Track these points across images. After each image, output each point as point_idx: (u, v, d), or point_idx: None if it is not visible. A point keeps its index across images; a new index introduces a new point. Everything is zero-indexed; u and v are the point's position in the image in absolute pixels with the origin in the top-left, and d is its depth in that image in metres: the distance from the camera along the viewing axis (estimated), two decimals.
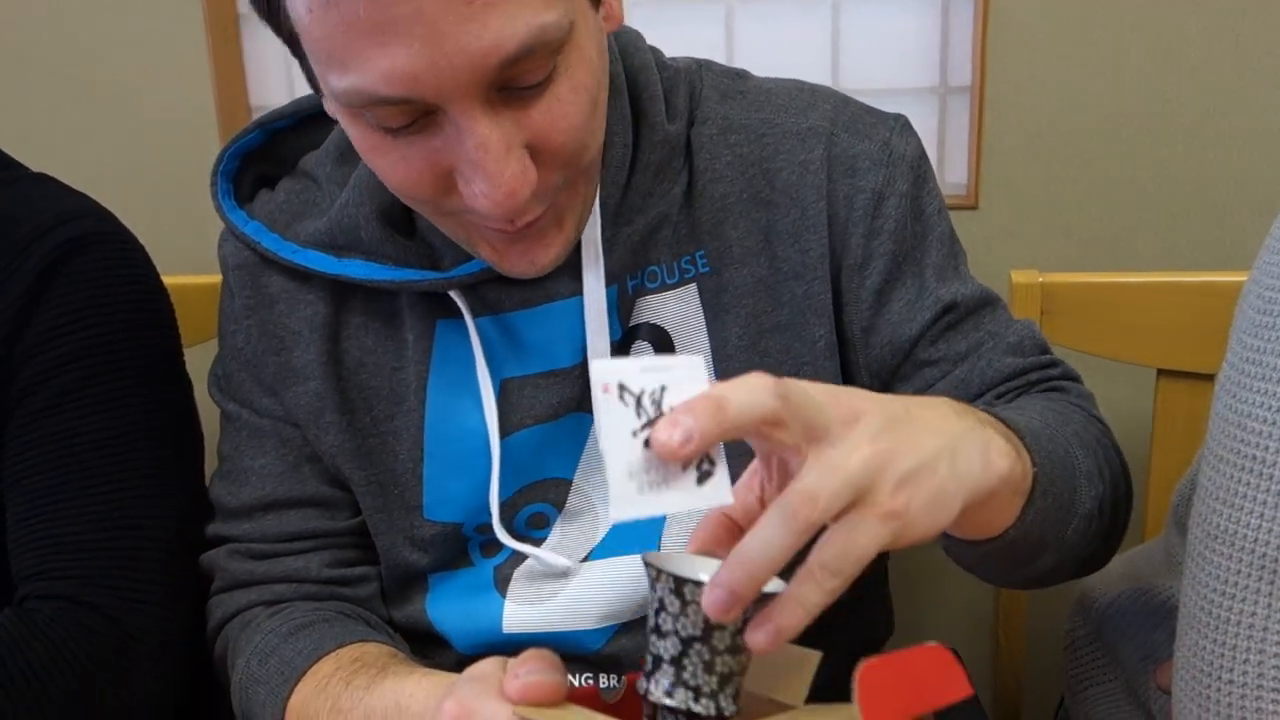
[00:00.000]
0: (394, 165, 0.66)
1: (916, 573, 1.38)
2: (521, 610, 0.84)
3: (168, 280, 0.94)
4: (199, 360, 1.06)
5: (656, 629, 0.52)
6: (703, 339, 0.81)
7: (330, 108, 0.70)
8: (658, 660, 0.52)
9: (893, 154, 0.80)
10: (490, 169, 0.63)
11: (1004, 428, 0.62)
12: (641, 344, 0.82)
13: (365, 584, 0.87)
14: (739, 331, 0.80)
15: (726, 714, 0.52)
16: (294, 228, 0.83)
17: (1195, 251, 1.30)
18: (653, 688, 0.52)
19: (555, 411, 0.81)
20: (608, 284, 0.78)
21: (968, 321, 0.82)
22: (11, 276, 0.82)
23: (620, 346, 0.81)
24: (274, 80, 1.42)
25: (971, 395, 0.80)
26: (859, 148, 0.80)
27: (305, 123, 0.87)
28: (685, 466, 0.48)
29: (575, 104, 0.66)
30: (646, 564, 0.52)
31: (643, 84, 0.79)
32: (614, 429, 0.46)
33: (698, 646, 0.51)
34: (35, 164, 0.95)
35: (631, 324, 0.81)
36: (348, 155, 0.83)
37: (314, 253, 0.81)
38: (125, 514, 0.83)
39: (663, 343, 0.81)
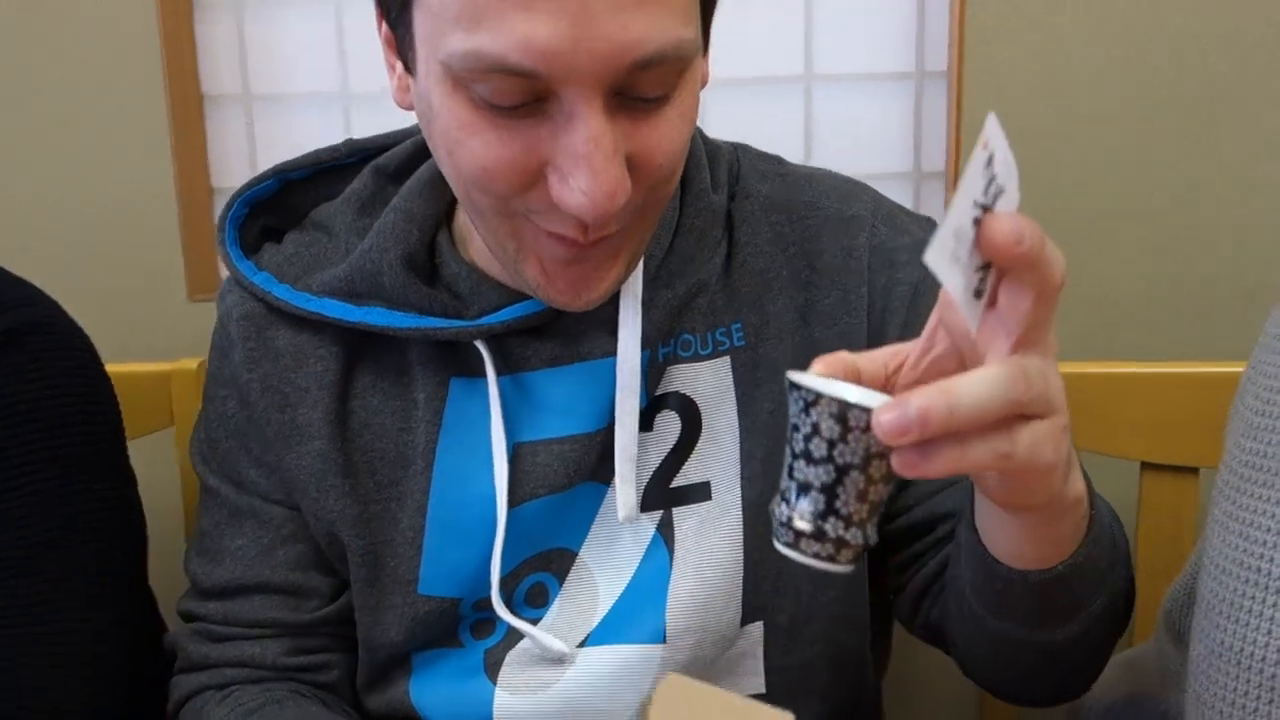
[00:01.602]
0: (486, 145, 0.64)
1: (906, 688, 1.33)
2: (513, 700, 0.80)
3: (118, 368, 0.91)
4: (149, 451, 1.03)
5: (807, 454, 0.52)
6: (732, 414, 0.79)
7: (424, 86, 0.66)
8: (804, 487, 0.52)
9: None
10: (598, 164, 0.62)
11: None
12: (668, 414, 0.80)
13: (326, 671, 0.84)
14: (770, 408, 0.79)
15: (871, 543, 0.53)
16: (305, 279, 0.81)
17: (1172, 343, 1.28)
18: (797, 517, 0.52)
19: (569, 480, 0.78)
20: (643, 347, 0.77)
21: None
22: None
23: (645, 415, 0.79)
24: (237, 161, 1.39)
25: None
26: (898, 241, 0.81)
27: (320, 175, 0.85)
28: (979, 269, 0.49)
29: (680, 131, 0.66)
30: (798, 385, 0.52)
31: (689, 153, 0.79)
32: (969, 187, 0.47)
33: (854, 475, 0.51)
34: None
35: (659, 393, 0.79)
36: (369, 207, 0.81)
37: (330, 301, 0.79)
38: (54, 628, 0.79)
39: (691, 415, 0.79)
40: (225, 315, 0.83)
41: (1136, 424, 1.04)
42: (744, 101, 1.31)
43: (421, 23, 0.64)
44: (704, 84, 0.73)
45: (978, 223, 0.47)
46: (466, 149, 0.65)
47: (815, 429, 0.51)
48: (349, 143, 0.85)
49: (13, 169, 1.37)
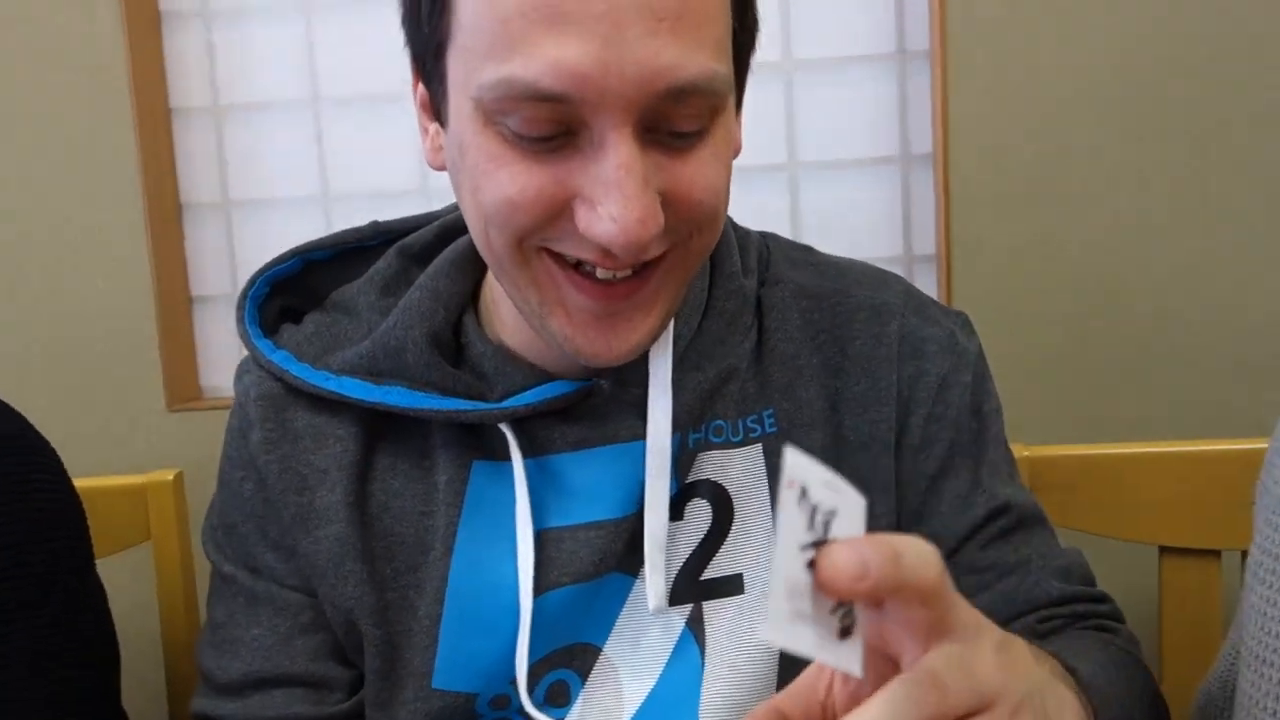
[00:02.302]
0: (513, 176, 0.63)
1: None
2: None
3: (91, 482, 0.88)
4: (125, 567, 0.98)
5: None
6: (764, 504, 0.77)
7: (455, 131, 0.66)
8: None
9: (958, 344, 0.80)
10: (629, 191, 0.61)
11: (1073, 681, 0.58)
12: (698, 503, 0.77)
13: None
14: None
15: None
16: (324, 359, 0.79)
17: (1182, 418, 1.25)
18: None
19: (595, 569, 0.75)
20: (673, 430, 0.74)
21: (1018, 534, 0.79)
22: None
23: (675, 504, 0.76)
24: (215, 270, 1.37)
25: (1015, 613, 0.77)
26: (927, 332, 0.80)
27: (343, 256, 0.84)
28: (835, 609, 0.43)
29: (716, 172, 0.65)
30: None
31: (720, 235, 0.79)
32: (789, 534, 0.41)
33: None
34: None
35: (689, 480, 0.77)
36: (392, 286, 0.80)
37: (349, 380, 0.77)
38: None
39: (722, 503, 0.77)
40: (243, 394, 0.80)
41: (1152, 506, 1.00)
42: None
43: (455, 67, 0.64)
44: (736, 153, 0.72)
45: (813, 564, 0.41)
46: (493, 181, 0.64)
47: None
48: (374, 225, 0.84)
49: None
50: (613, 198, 0.61)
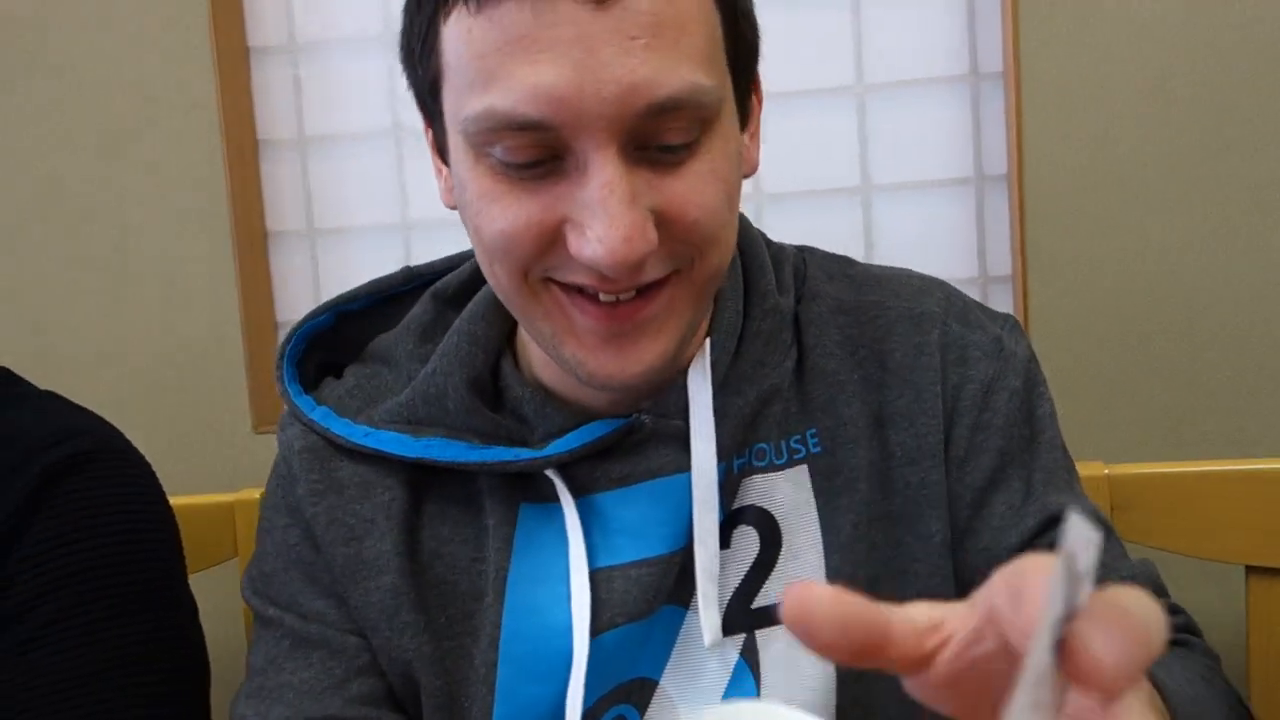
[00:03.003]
0: (504, 210, 0.63)
1: None
2: None
3: (181, 500, 0.90)
4: (214, 584, 1.01)
5: None
6: (814, 527, 0.75)
7: (456, 170, 0.67)
8: None
9: (1004, 349, 0.77)
10: (613, 209, 0.60)
11: (1159, 701, 0.57)
12: (745, 529, 0.75)
13: None
14: (852, 519, 0.74)
15: None
16: (366, 412, 0.79)
17: (1265, 434, 1.22)
18: None
19: (649, 606, 0.73)
20: (718, 459, 0.73)
21: None
22: (4, 496, 0.78)
23: (722, 531, 0.74)
24: (301, 296, 1.41)
25: None
26: (970, 338, 0.77)
27: (377, 305, 0.84)
28: (1060, 692, 0.36)
29: (713, 188, 0.64)
30: None
31: (751, 255, 0.78)
32: (1051, 614, 0.35)
33: None
34: (60, 379, 0.92)
35: (735, 507, 0.75)
36: (430, 333, 0.80)
37: (389, 434, 0.76)
38: None
39: (769, 529, 0.75)
40: (287, 448, 0.80)
41: (1239, 525, 0.98)
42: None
43: (448, 103, 0.64)
44: (751, 172, 0.71)
45: (1058, 645, 0.36)
46: (487, 217, 0.64)
47: None
48: (405, 270, 0.84)
49: (86, 306, 1.40)
50: (598, 218, 0.61)
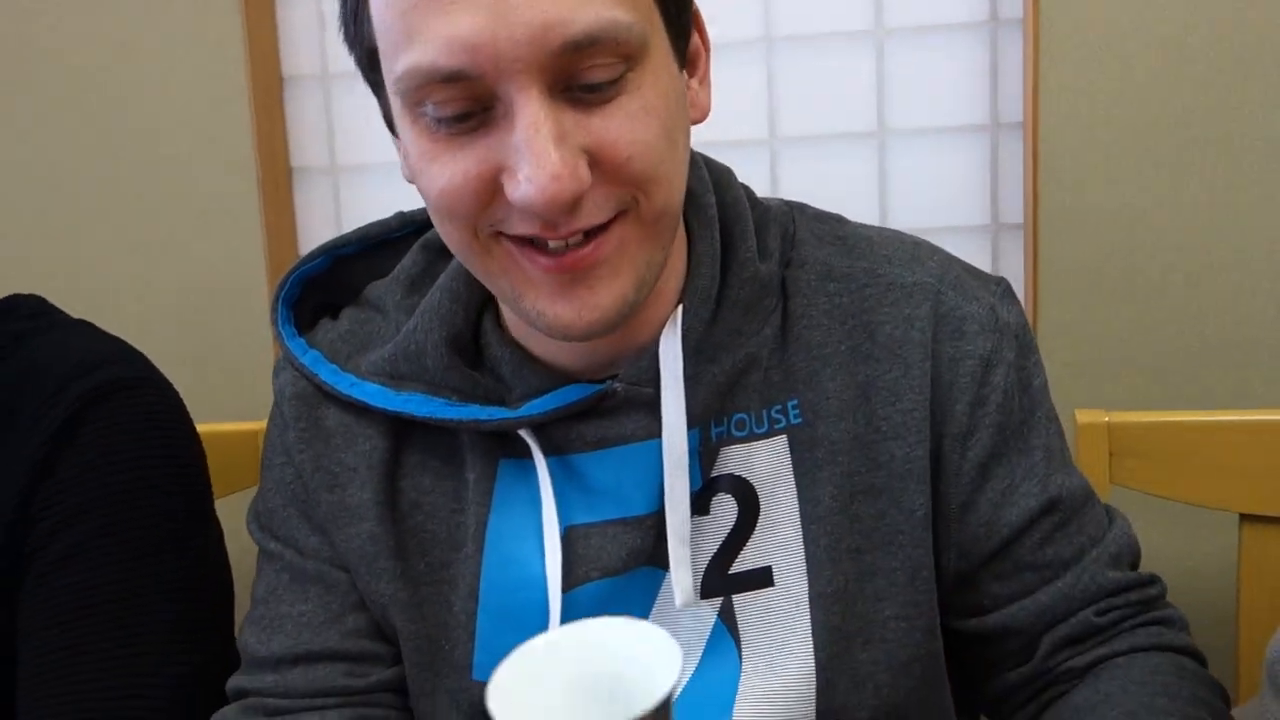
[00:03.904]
0: (443, 168, 0.64)
1: None
2: None
3: (207, 428, 0.93)
4: (238, 508, 1.04)
5: None
6: (791, 497, 0.75)
7: (400, 129, 0.67)
8: None
9: (999, 320, 0.77)
10: (538, 149, 0.61)
11: None
12: (723, 497, 0.76)
13: None
14: (832, 491, 0.75)
15: None
16: (355, 359, 0.80)
17: (1268, 390, 1.24)
18: None
19: (624, 564, 0.75)
20: (689, 426, 0.73)
21: (1072, 523, 0.78)
22: (39, 424, 0.81)
23: (700, 498, 0.76)
24: (324, 231, 1.43)
25: (1073, 609, 0.77)
26: (966, 309, 0.77)
27: (371, 250, 0.85)
28: None
29: (645, 124, 0.64)
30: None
31: (733, 218, 0.77)
32: None
33: None
34: (89, 312, 0.95)
35: (713, 475, 0.76)
36: (418, 283, 0.81)
37: (373, 386, 0.78)
38: (139, 673, 0.80)
39: (747, 498, 0.76)
40: (279, 393, 0.82)
41: (1235, 474, 0.99)
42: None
43: (387, 72, 0.65)
44: (702, 117, 0.71)
45: None
46: (428, 177, 0.65)
47: None
48: (399, 215, 0.86)
49: (116, 243, 1.43)
50: (525, 159, 0.61)
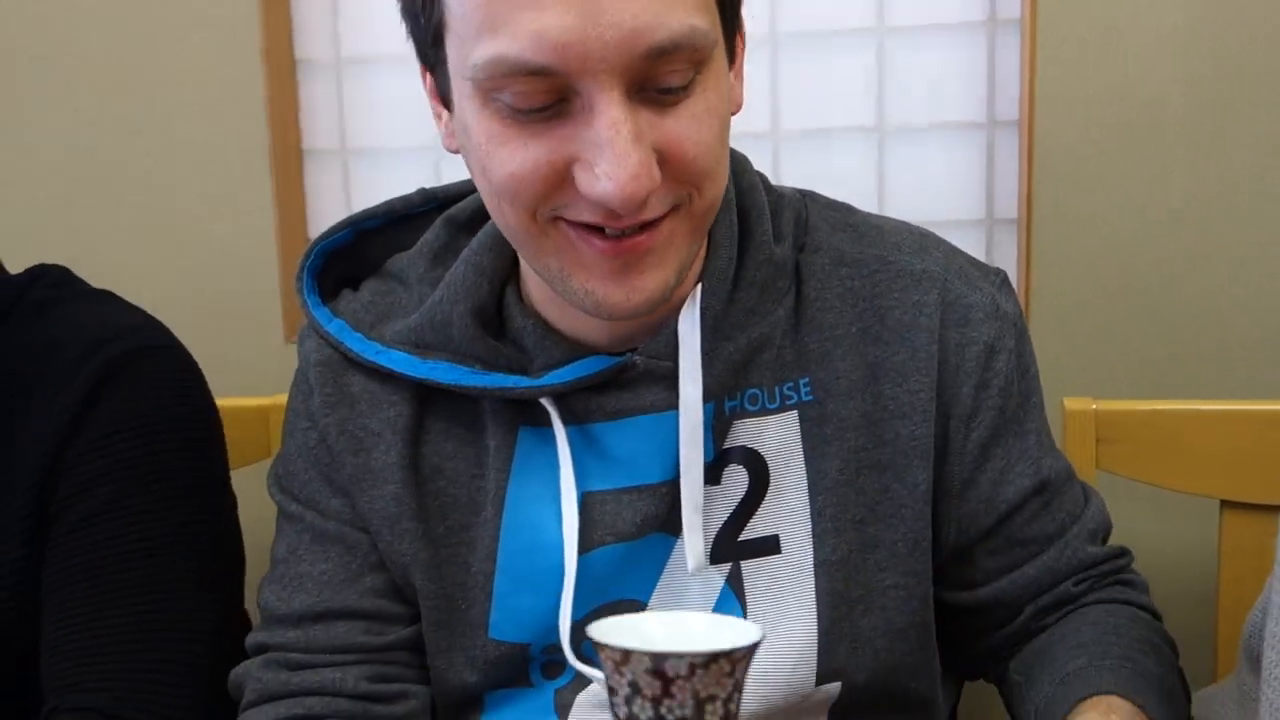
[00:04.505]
0: (513, 153, 0.66)
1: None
2: None
3: (222, 402, 0.95)
4: (248, 481, 1.07)
5: (632, 718, 0.47)
6: (799, 469, 0.79)
7: (460, 113, 0.69)
8: None
9: (999, 309, 0.82)
10: (620, 148, 0.63)
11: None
12: (735, 468, 0.79)
13: (403, 701, 0.83)
14: (839, 465, 0.79)
15: None
16: (378, 328, 0.83)
17: (1250, 380, 1.27)
18: None
19: (638, 530, 0.78)
20: (705, 400, 0.76)
21: (1055, 501, 0.84)
22: (64, 389, 0.84)
23: (713, 469, 0.79)
24: (334, 212, 1.46)
25: (1056, 580, 0.83)
26: (971, 298, 0.81)
27: (394, 224, 0.88)
28: None
29: (709, 124, 0.67)
30: (603, 645, 0.47)
31: (750, 203, 0.80)
32: None
33: None
34: (113, 284, 0.98)
35: (726, 447, 0.79)
36: (442, 257, 0.83)
37: (398, 353, 0.81)
38: (158, 627, 0.82)
39: (757, 469, 0.79)
40: (305, 360, 0.85)
41: (1216, 461, 1.03)
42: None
43: (452, 51, 0.67)
44: (736, 109, 0.73)
45: None
46: (496, 159, 0.66)
47: (635, 688, 0.46)
48: (422, 191, 0.88)
49: (129, 223, 1.46)
50: (606, 157, 0.63)
